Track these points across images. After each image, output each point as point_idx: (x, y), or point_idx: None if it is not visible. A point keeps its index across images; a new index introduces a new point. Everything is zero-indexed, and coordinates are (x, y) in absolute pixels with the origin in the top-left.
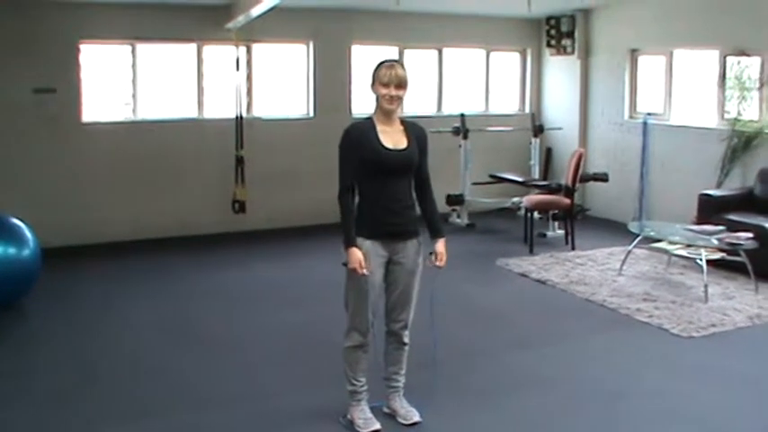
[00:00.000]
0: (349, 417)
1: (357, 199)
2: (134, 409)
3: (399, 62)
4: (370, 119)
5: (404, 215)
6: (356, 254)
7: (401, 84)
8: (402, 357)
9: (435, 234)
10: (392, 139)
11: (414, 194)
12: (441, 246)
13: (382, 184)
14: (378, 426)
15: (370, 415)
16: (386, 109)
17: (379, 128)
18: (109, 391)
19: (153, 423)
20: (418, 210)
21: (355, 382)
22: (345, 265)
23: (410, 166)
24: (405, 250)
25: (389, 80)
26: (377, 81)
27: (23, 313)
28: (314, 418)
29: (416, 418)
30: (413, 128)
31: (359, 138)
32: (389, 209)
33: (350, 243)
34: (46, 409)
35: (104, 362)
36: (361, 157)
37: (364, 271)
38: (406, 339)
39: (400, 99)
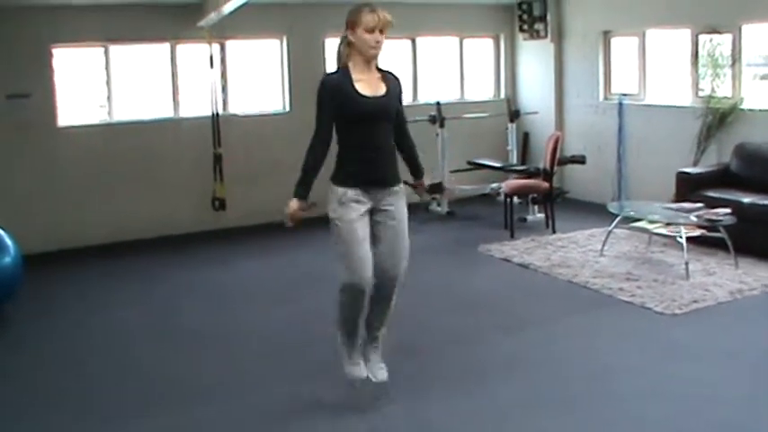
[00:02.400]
0: (339, 351)
1: (337, 149)
2: (123, 410)
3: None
4: (343, 70)
5: (385, 162)
6: (292, 205)
7: (385, 26)
8: (386, 310)
9: (418, 175)
10: (370, 86)
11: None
12: (424, 181)
13: (362, 132)
14: (364, 375)
15: (359, 361)
16: (371, 55)
17: (356, 77)
18: (97, 392)
19: (142, 423)
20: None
21: (349, 343)
22: (332, 219)
23: (389, 113)
24: (389, 197)
25: (375, 24)
26: (359, 27)
27: (7, 320)
28: (305, 411)
29: (384, 377)
30: (389, 76)
31: (336, 88)
32: (370, 157)
33: (296, 194)
34: (33, 413)
35: (91, 364)
36: (340, 107)
37: (289, 224)
38: (392, 293)
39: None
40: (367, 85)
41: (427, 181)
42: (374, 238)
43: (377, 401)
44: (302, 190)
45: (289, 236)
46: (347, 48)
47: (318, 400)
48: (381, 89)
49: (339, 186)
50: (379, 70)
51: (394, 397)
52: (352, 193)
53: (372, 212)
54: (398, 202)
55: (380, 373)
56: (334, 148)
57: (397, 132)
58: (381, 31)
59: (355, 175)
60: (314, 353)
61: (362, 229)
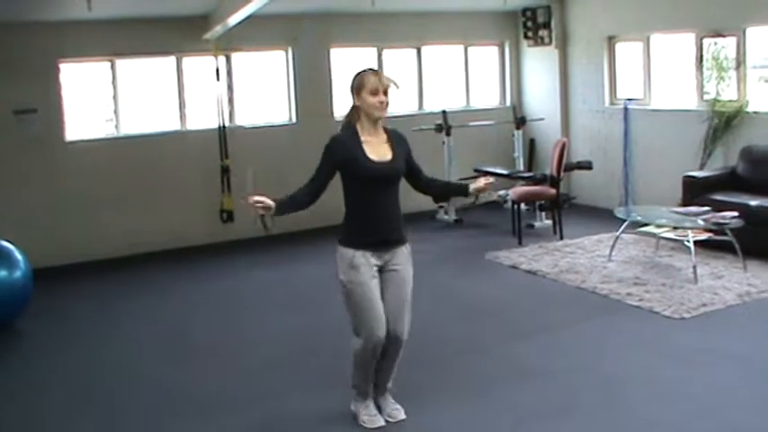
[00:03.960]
0: (353, 409)
1: (345, 211)
2: (135, 423)
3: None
4: (351, 129)
5: (392, 223)
6: (263, 199)
7: (387, 88)
8: (394, 365)
9: (464, 189)
10: (377, 150)
11: (399, 200)
12: (475, 185)
13: (370, 195)
14: (382, 422)
15: (375, 412)
16: (376, 117)
17: (364, 138)
18: (109, 406)
19: None
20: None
21: (364, 386)
22: (343, 282)
23: (397, 177)
24: (396, 257)
25: (378, 86)
26: (364, 90)
27: (18, 334)
28: (317, 421)
29: (402, 416)
30: (395, 136)
31: (345, 148)
32: (378, 219)
33: (278, 203)
34: (44, 427)
35: (102, 378)
36: (348, 168)
37: (251, 199)
38: (401, 350)
39: (388, 104)
40: (375, 149)
41: (480, 184)
42: (381, 295)
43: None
44: (280, 207)
45: (296, 247)
46: (354, 112)
47: (328, 410)
48: (388, 154)
49: (348, 248)
50: (386, 131)
51: (404, 405)
52: (360, 254)
53: (380, 271)
54: (405, 261)
55: (397, 413)
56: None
57: (416, 180)
58: (385, 93)
59: (363, 236)
60: (323, 363)
61: (375, 288)
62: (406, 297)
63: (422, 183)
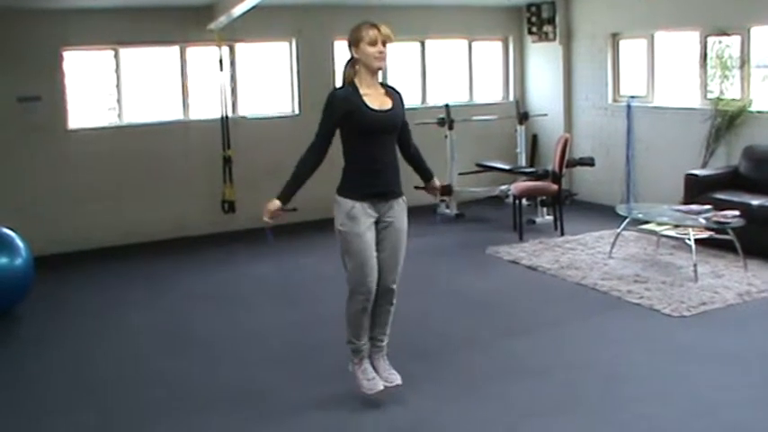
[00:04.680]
0: (350, 370)
1: (344, 163)
2: (134, 415)
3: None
4: (351, 85)
5: (391, 175)
6: (272, 205)
7: (386, 39)
8: (388, 317)
9: (428, 177)
10: (377, 100)
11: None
12: (435, 182)
13: (370, 145)
14: (381, 386)
15: (373, 375)
16: (376, 67)
17: (363, 91)
18: (106, 395)
19: (154, 428)
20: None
21: (356, 341)
22: (341, 232)
23: (396, 126)
24: (392, 209)
25: (377, 37)
26: (362, 41)
27: (18, 322)
28: (315, 415)
29: (398, 380)
30: (392, 91)
31: (345, 101)
32: (377, 170)
33: (280, 195)
34: (43, 416)
35: (102, 367)
36: (349, 120)
37: (266, 219)
38: (393, 299)
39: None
40: (374, 99)
41: (438, 183)
42: (377, 246)
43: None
44: (286, 195)
45: (298, 239)
46: (353, 66)
47: (329, 403)
48: (388, 103)
49: (346, 199)
50: (383, 86)
51: (404, 400)
52: (359, 205)
53: (377, 223)
54: (401, 213)
55: (393, 377)
56: (334, 158)
57: (403, 141)
58: (384, 44)
59: (362, 187)
60: (325, 356)
61: (371, 239)
62: (401, 248)
63: (408, 146)
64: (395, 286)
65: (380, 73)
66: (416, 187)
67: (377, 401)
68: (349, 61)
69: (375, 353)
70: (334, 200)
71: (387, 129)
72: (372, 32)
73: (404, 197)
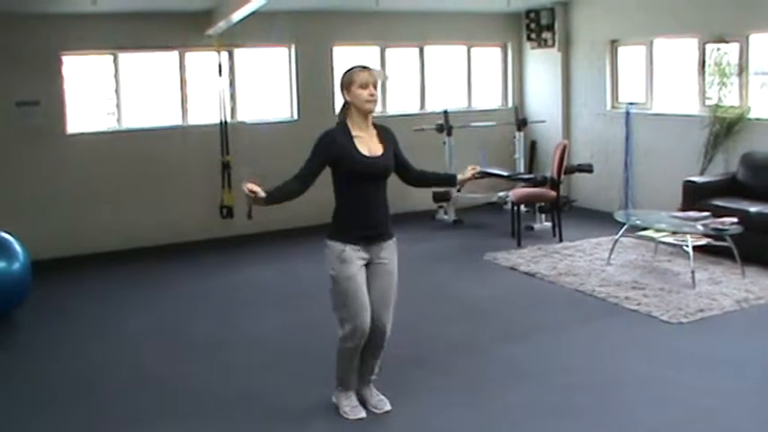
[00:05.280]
0: (335, 401)
1: (335, 205)
2: (130, 417)
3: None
4: (343, 125)
5: (381, 218)
6: (257, 189)
7: (376, 83)
8: (379, 354)
9: (453, 180)
10: (368, 145)
11: (387, 196)
12: (465, 173)
13: (360, 189)
14: (364, 414)
15: (356, 403)
16: (367, 110)
17: (355, 133)
18: (104, 399)
19: (151, 430)
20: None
21: (346, 374)
22: (332, 277)
23: (387, 172)
24: (384, 251)
25: (368, 80)
26: (353, 85)
27: (15, 326)
28: (311, 420)
29: (387, 407)
30: (384, 132)
31: (336, 144)
32: (367, 213)
33: (268, 193)
34: (41, 420)
35: (99, 371)
36: (339, 163)
37: (246, 188)
38: (385, 342)
39: (377, 98)
40: (365, 144)
41: (468, 174)
42: (369, 288)
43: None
44: (268, 197)
45: (296, 244)
46: (345, 108)
47: (328, 408)
48: (378, 149)
49: (337, 242)
50: (375, 126)
51: (402, 405)
52: (350, 248)
53: (367, 265)
54: (392, 255)
55: (382, 404)
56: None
57: (405, 173)
58: (375, 86)
59: (353, 231)
60: (324, 360)
61: (362, 280)
62: (392, 289)
63: (412, 175)
64: (387, 329)
65: (380, 77)
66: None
67: (386, 411)
68: (344, 105)
69: (362, 386)
70: (324, 244)
71: (377, 175)
72: (363, 75)
73: (394, 238)
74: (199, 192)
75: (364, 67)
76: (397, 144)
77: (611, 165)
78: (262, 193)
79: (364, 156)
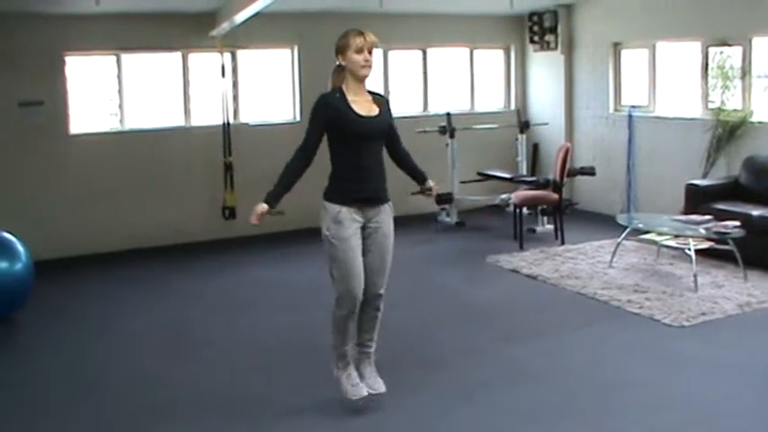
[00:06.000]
0: (335, 375)
1: (331, 168)
2: (131, 418)
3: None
4: (339, 91)
5: (376, 181)
6: (259, 208)
7: (372, 47)
8: (375, 323)
9: (422, 179)
10: (364, 107)
11: (384, 160)
12: (429, 183)
13: (356, 151)
14: (365, 392)
15: (357, 381)
16: (362, 75)
17: (350, 98)
18: (106, 400)
19: (151, 431)
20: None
21: (342, 347)
22: (326, 237)
23: (383, 133)
24: (379, 215)
25: (363, 45)
26: (349, 49)
27: (17, 326)
28: (313, 420)
29: (382, 388)
30: (380, 98)
31: (332, 106)
32: (363, 175)
33: (267, 199)
34: (41, 421)
35: (100, 371)
36: (336, 125)
37: (253, 221)
38: (381, 305)
39: (373, 63)
40: (361, 106)
41: (432, 184)
42: (363, 251)
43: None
44: (273, 199)
45: (297, 245)
46: (340, 73)
47: (327, 408)
48: (374, 110)
49: (333, 203)
50: (370, 92)
51: (402, 407)
52: (346, 210)
53: (363, 228)
54: (387, 218)
55: (378, 385)
56: (321, 163)
57: (393, 145)
58: (370, 51)
59: (349, 192)
60: (323, 360)
61: (356, 244)
62: (387, 253)
63: (397, 150)
64: (382, 291)
65: (381, 78)
66: (413, 193)
67: (375, 406)
68: (336, 68)
69: (362, 359)
70: (321, 205)
71: (373, 135)
72: (359, 40)
73: (390, 203)
74: (201, 193)
75: (360, 32)
76: (390, 113)
77: (614, 168)
78: (264, 207)
79: (360, 115)
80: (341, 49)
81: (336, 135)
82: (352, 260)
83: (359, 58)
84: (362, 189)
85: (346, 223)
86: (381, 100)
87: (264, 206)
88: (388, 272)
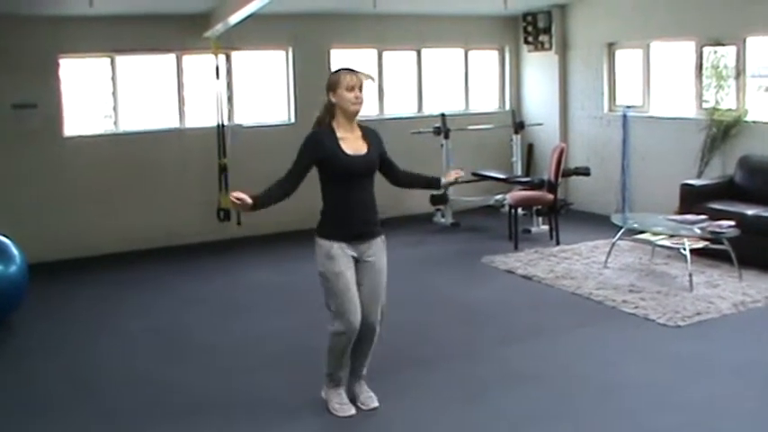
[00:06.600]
0: (324, 396)
1: (322, 204)
2: (128, 419)
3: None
4: (328, 128)
5: (368, 216)
6: (247, 201)
7: (362, 86)
8: (369, 350)
9: (437, 182)
10: (352, 145)
11: (375, 194)
12: (449, 175)
13: (346, 188)
14: (353, 411)
15: (346, 400)
16: (353, 111)
17: (340, 135)
18: (102, 402)
19: None
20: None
21: (336, 370)
22: (321, 273)
23: (372, 170)
24: (371, 249)
25: (354, 83)
26: (339, 87)
27: (12, 329)
28: (312, 421)
29: (375, 403)
30: (369, 132)
31: (322, 144)
32: (354, 212)
33: (256, 198)
34: (39, 422)
35: (96, 374)
36: (325, 163)
37: (232, 196)
38: (376, 337)
39: (363, 100)
40: (350, 145)
41: (453, 175)
42: (358, 285)
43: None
44: (260, 201)
45: (292, 247)
46: (330, 110)
47: (323, 409)
48: (363, 148)
49: (325, 240)
50: (360, 127)
51: (399, 408)
52: (338, 246)
53: (356, 261)
54: (380, 253)
55: (371, 401)
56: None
57: (392, 174)
58: (360, 89)
59: (341, 228)
60: (319, 362)
61: (351, 277)
62: (381, 286)
63: (397, 176)
64: (377, 325)
65: (378, 75)
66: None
67: (374, 408)
68: (326, 105)
69: (353, 381)
70: (314, 241)
71: (363, 173)
72: (350, 78)
73: (383, 236)
74: (196, 194)
75: (350, 70)
76: (382, 145)
77: (609, 168)
78: (248, 200)
79: (348, 155)
80: (332, 87)
81: (326, 173)
82: (348, 292)
83: (350, 95)
84: (354, 224)
85: (339, 259)
86: (371, 135)
87: (249, 201)
88: (383, 302)
